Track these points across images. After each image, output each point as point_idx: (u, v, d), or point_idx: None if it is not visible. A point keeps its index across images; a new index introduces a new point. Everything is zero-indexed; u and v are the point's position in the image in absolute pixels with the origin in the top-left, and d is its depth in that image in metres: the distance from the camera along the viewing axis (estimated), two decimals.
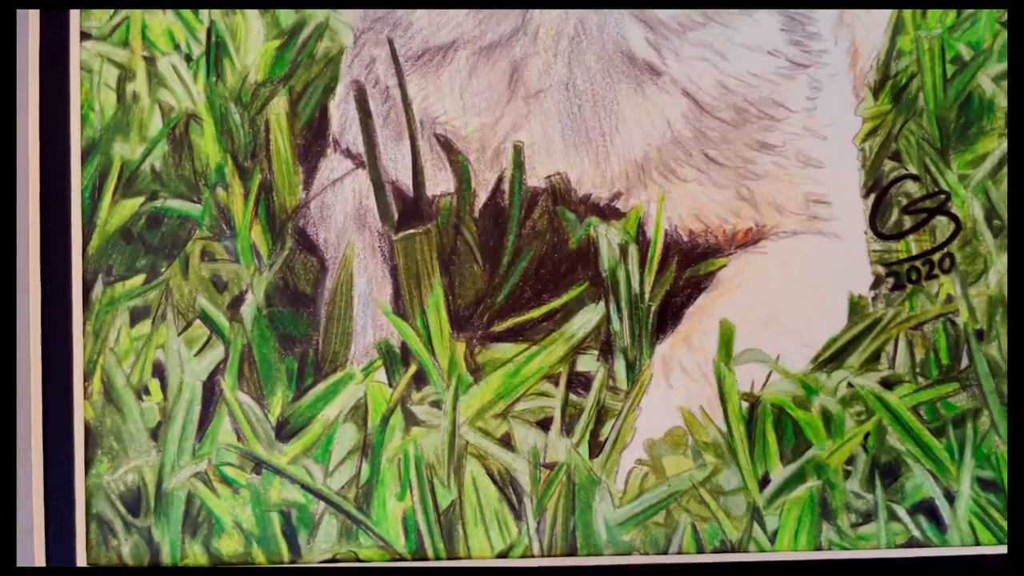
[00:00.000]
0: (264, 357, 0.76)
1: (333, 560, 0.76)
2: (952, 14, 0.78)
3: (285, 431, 0.76)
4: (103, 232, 0.77)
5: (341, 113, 0.78)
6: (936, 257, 0.77)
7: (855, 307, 0.76)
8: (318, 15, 0.78)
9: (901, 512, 0.76)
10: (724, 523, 0.76)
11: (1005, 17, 0.78)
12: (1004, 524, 0.76)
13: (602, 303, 0.76)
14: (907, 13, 0.79)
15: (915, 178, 0.77)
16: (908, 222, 0.77)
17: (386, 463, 0.76)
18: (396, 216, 0.77)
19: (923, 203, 0.77)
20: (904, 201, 0.77)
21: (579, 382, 0.76)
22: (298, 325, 0.77)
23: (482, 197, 0.77)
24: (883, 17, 0.79)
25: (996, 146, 0.77)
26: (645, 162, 0.77)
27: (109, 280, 0.77)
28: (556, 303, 0.77)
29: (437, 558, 0.76)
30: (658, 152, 0.77)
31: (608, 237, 0.77)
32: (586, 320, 0.76)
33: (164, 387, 0.77)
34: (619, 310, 0.76)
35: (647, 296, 0.76)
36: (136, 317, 0.77)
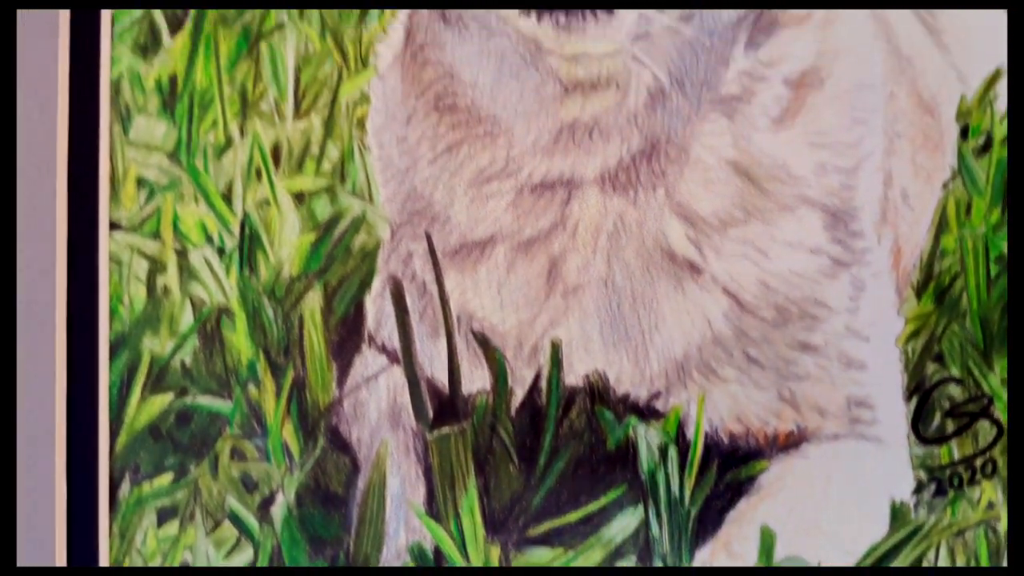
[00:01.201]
0: (294, 559, 0.75)
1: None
2: (996, 212, 0.77)
3: None
4: (131, 429, 0.75)
5: (377, 308, 0.77)
6: (979, 462, 0.76)
7: (897, 513, 0.75)
8: (355, 208, 0.77)
9: None
10: None
11: None
12: None
13: (641, 506, 0.75)
14: (951, 211, 0.78)
15: (958, 382, 0.76)
16: (951, 426, 0.76)
17: None
18: (431, 414, 0.76)
19: (966, 407, 0.76)
20: (947, 404, 0.76)
21: None
22: (329, 527, 0.75)
23: (519, 395, 0.76)
24: (926, 215, 0.78)
25: None
26: (685, 361, 0.76)
27: (137, 479, 0.75)
28: (594, 506, 0.75)
29: None
30: (698, 351, 0.76)
31: (647, 438, 0.75)
32: (624, 525, 0.75)
33: None
34: (658, 515, 0.75)
35: (687, 500, 0.75)
36: (164, 517, 0.75)
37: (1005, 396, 0.76)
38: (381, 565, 0.75)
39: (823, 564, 0.75)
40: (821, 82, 0.77)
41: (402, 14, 0.77)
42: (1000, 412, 0.76)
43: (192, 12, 0.76)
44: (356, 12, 0.77)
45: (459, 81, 0.76)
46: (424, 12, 0.77)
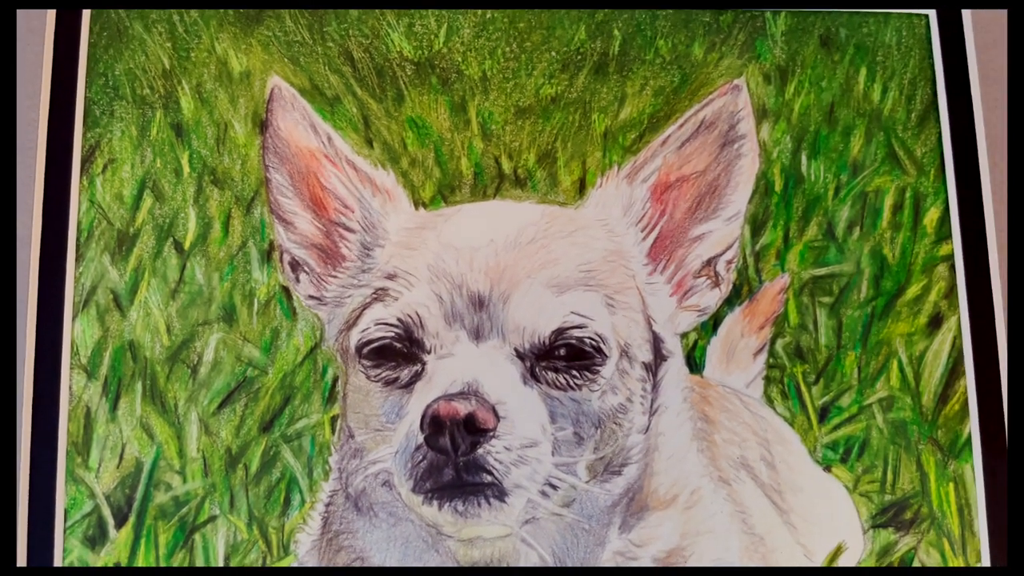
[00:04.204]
0: None
1: None
2: None
3: None
4: None
5: None
6: None
7: None
8: None
9: None
10: None
11: None
12: None
13: None
14: None
15: None
16: None
17: None
18: None
19: None
20: None
21: None
22: None
23: None
24: None
25: None
26: None
27: None
28: None
29: None
30: None
31: None
32: None
33: None
34: None
35: None
36: None
37: None
38: None
39: None
40: (685, 560, 0.89)
41: (320, 506, 0.89)
42: None
43: (135, 506, 0.88)
44: (281, 502, 0.89)
45: (369, 565, 0.87)
46: (340, 500, 0.88)
